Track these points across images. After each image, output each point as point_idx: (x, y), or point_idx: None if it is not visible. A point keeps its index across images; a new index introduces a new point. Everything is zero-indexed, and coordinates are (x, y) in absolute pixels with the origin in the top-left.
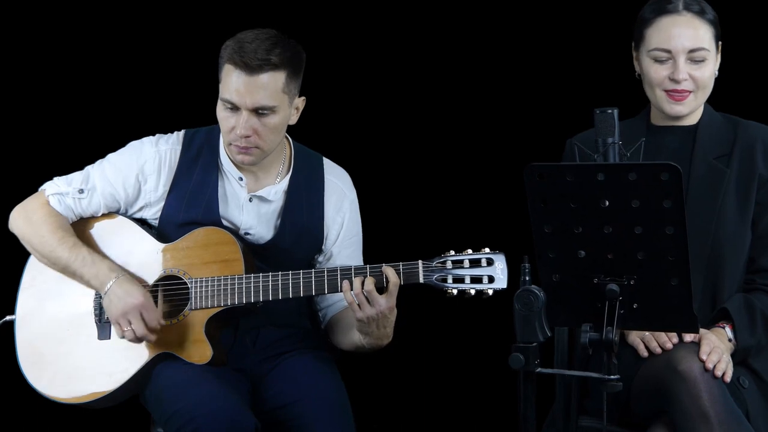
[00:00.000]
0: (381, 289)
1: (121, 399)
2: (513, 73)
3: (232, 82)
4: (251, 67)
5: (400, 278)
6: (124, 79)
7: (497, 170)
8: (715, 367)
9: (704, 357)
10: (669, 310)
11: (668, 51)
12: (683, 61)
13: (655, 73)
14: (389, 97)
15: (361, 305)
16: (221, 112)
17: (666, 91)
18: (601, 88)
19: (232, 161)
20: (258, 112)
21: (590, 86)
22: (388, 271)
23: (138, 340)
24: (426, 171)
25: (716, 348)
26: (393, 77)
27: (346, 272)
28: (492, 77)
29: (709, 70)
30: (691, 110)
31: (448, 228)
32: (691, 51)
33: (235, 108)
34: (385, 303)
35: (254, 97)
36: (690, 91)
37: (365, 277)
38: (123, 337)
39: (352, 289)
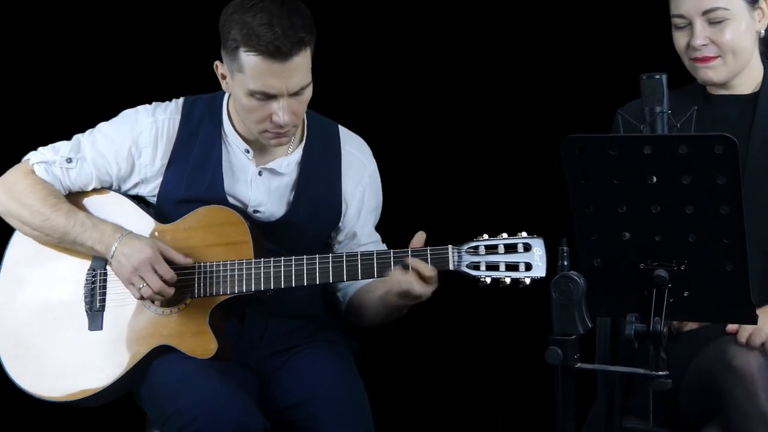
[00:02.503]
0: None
1: (114, 397)
2: (553, 37)
3: (264, 72)
4: (284, 53)
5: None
6: (115, 41)
7: (535, 144)
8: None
9: (742, 341)
10: (723, 299)
11: (682, 16)
12: (700, 24)
13: (678, 40)
14: (413, 63)
15: (418, 283)
16: (249, 102)
17: (692, 58)
18: (652, 55)
19: (237, 132)
20: (296, 93)
21: (642, 52)
22: (419, 265)
23: (156, 296)
24: (456, 145)
25: (759, 330)
26: (418, 44)
27: (367, 259)
28: (530, 41)
29: (735, 31)
30: (725, 76)
31: (480, 209)
32: (706, 12)
33: (269, 96)
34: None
35: (294, 81)
36: (716, 57)
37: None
38: (141, 297)
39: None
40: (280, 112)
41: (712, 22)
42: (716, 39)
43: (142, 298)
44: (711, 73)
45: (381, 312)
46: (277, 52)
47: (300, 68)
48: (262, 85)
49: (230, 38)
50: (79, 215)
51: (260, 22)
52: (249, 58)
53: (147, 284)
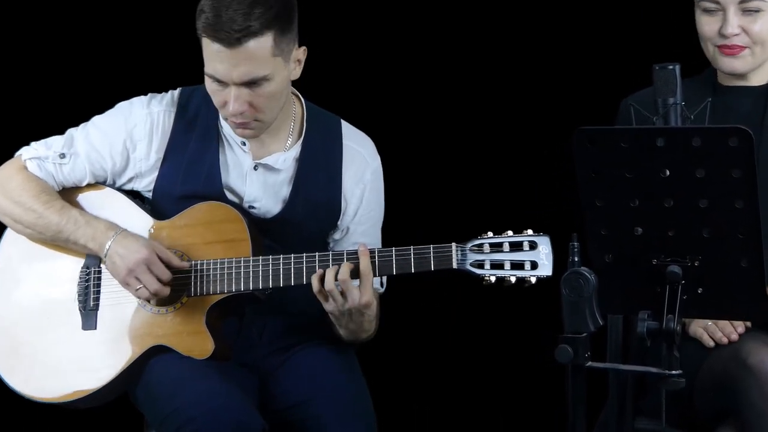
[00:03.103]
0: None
1: (109, 398)
2: (559, 25)
3: (213, 56)
4: (229, 40)
5: (431, 265)
6: (110, 31)
7: (542, 136)
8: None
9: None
10: (738, 296)
11: (716, 1)
12: (733, 12)
13: (704, 26)
14: (417, 56)
15: (334, 297)
16: (209, 86)
17: (717, 46)
18: (662, 43)
19: None
20: (249, 84)
21: (649, 41)
22: (361, 257)
23: (153, 296)
24: (460, 142)
25: None
26: (421, 41)
27: (328, 257)
28: (536, 29)
29: (767, 22)
30: (749, 67)
31: (485, 206)
32: (743, 1)
33: (222, 82)
34: (359, 297)
35: (240, 70)
36: (744, 47)
37: (340, 264)
38: (137, 297)
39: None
40: (230, 101)
41: (747, 12)
42: (748, 29)
43: (138, 298)
44: (737, 63)
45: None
46: (222, 37)
47: (251, 58)
48: (211, 68)
49: (199, 21)
50: (72, 212)
51: (223, 5)
52: (203, 40)
53: (143, 286)
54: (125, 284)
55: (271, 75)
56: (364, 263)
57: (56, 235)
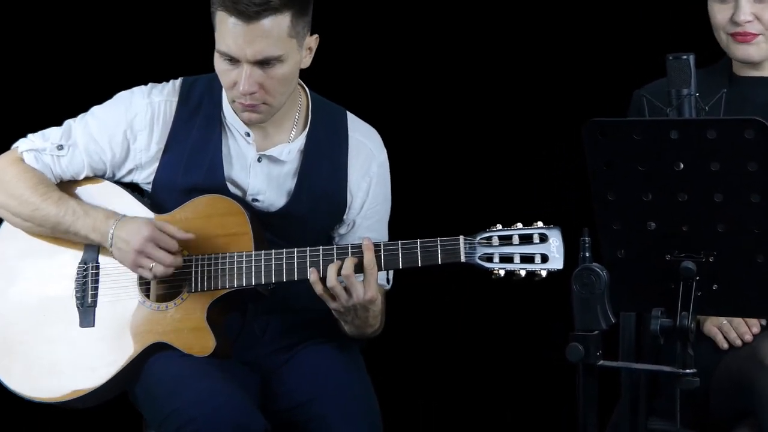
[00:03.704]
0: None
1: (107, 397)
2: (572, 15)
3: (228, 31)
4: (248, 14)
5: (438, 258)
6: (110, 21)
7: (551, 128)
8: None
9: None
10: (754, 292)
11: None
12: None
13: (716, 14)
14: (423, 50)
15: (336, 295)
16: (219, 65)
17: (730, 34)
18: (675, 33)
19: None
20: (262, 63)
21: (661, 30)
22: (365, 251)
23: (168, 269)
24: (468, 131)
25: None
26: (430, 29)
27: (335, 251)
28: (547, 18)
29: None
30: (764, 55)
31: (493, 198)
32: None
33: (234, 61)
34: (364, 293)
35: (255, 48)
36: (758, 34)
37: (343, 260)
38: (154, 277)
39: (322, 277)
40: (242, 79)
41: None
42: (761, 16)
43: (155, 277)
44: (752, 50)
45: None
46: (240, 12)
47: (267, 35)
48: (224, 44)
49: None
50: (70, 203)
51: None
52: (218, 14)
53: (156, 262)
54: (137, 267)
55: (285, 56)
56: (369, 258)
57: (56, 227)
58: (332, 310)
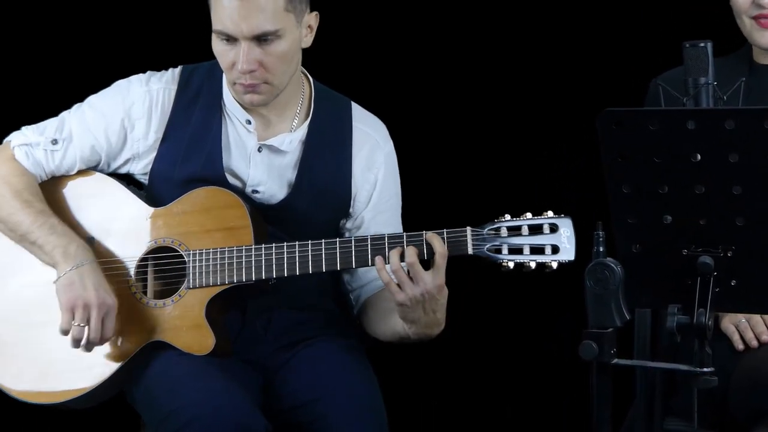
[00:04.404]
0: (424, 262)
1: (104, 398)
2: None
3: (223, 9)
4: None
5: (423, 252)
6: (108, 7)
7: (564, 117)
8: None
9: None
10: None
11: None
12: None
13: None
14: (429, 38)
15: (402, 284)
16: (217, 47)
17: (753, 17)
18: (692, 19)
19: (237, 102)
20: (259, 39)
21: (679, 16)
22: (434, 239)
23: (84, 344)
24: (475, 119)
25: None
26: (438, 19)
27: (378, 242)
28: (559, 7)
29: None
30: None
31: (501, 187)
32: None
33: (231, 39)
34: (432, 281)
35: (251, 23)
36: None
37: (404, 247)
38: (65, 333)
39: (387, 263)
40: (240, 57)
41: None
42: None
43: (65, 333)
44: None
45: (388, 329)
46: None
47: (262, 9)
48: (220, 23)
49: None
50: (50, 219)
51: None
52: None
53: (89, 326)
54: (70, 311)
55: (282, 32)
56: (438, 242)
57: (24, 236)
58: (398, 307)
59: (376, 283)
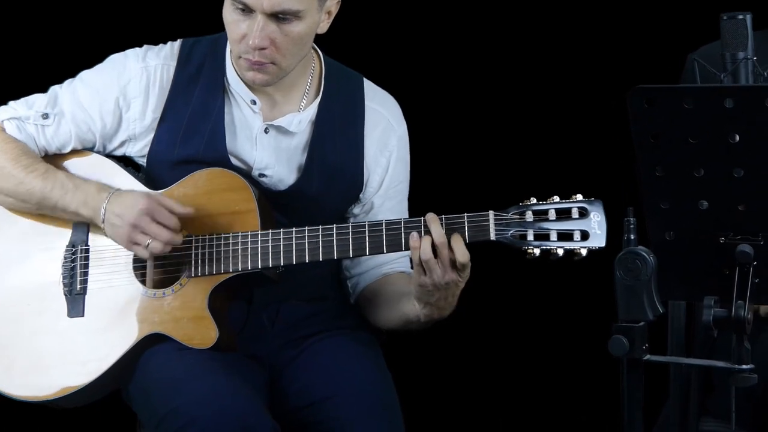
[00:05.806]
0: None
1: (99, 396)
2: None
3: None
4: None
5: (465, 236)
6: None
7: (593, 94)
8: None
9: None
10: None
11: None
12: None
13: None
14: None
15: (430, 270)
16: (229, 14)
17: None
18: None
19: (242, 79)
20: (278, 17)
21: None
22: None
23: (166, 247)
24: (497, 96)
25: None
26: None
27: (395, 227)
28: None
29: None
30: None
31: (527, 169)
32: None
33: (248, 10)
34: (462, 253)
35: None
36: None
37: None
38: (150, 255)
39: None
40: (254, 31)
41: None
42: None
43: (151, 256)
44: None
45: (395, 315)
46: None
47: None
48: None
49: None
50: (58, 176)
51: None
52: None
53: (153, 238)
54: (131, 243)
55: (304, 14)
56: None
57: (42, 202)
58: (417, 288)
59: (378, 270)
